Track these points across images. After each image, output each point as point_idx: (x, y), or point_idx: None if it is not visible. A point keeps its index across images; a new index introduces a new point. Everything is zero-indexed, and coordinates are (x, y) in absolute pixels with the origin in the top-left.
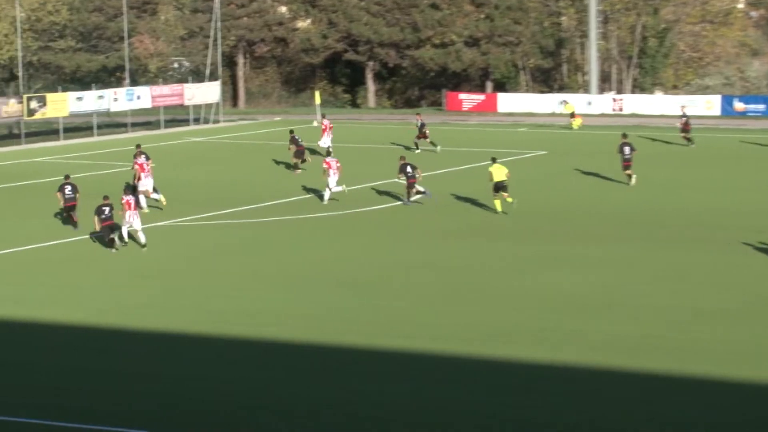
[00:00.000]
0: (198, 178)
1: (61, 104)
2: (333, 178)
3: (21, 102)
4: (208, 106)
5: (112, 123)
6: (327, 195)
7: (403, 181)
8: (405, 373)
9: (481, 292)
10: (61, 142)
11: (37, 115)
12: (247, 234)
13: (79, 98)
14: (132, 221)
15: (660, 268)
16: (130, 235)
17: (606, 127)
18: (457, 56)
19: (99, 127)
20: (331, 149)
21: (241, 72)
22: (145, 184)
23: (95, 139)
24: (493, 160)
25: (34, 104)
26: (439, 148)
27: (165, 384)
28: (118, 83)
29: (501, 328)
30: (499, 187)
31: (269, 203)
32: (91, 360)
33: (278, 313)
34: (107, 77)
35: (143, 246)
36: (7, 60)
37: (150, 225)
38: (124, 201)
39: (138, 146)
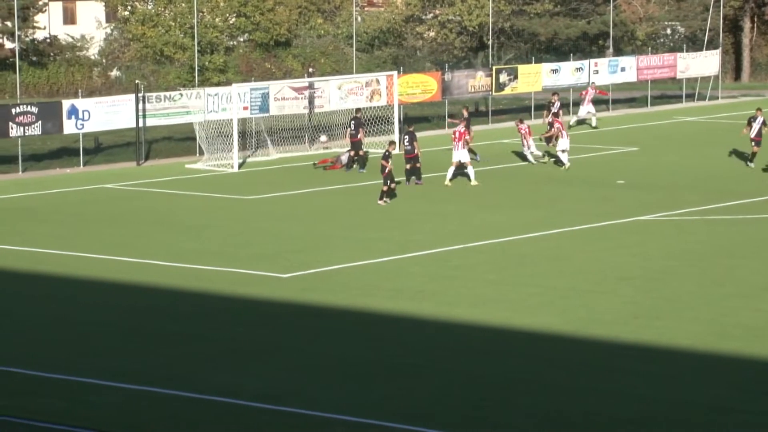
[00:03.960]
0: (689, 163)
1: (534, 77)
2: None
3: (490, 75)
4: (705, 79)
5: (591, 99)
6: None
7: None
8: None
9: None
10: (531, 122)
11: (506, 90)
12: (751, 232)
13: (554, 70)
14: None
15: None
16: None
17: None
18: None
19: (575, 104)
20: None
21: (746, 39)
22: (459, 155)
23: (568, 118)
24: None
25: (503, 77)
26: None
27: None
28: (600, 53)
29: None
30: None
31: None
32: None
33: None
34: (587, 46)
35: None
36: (477, 26)
37: (627, 219)
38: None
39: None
